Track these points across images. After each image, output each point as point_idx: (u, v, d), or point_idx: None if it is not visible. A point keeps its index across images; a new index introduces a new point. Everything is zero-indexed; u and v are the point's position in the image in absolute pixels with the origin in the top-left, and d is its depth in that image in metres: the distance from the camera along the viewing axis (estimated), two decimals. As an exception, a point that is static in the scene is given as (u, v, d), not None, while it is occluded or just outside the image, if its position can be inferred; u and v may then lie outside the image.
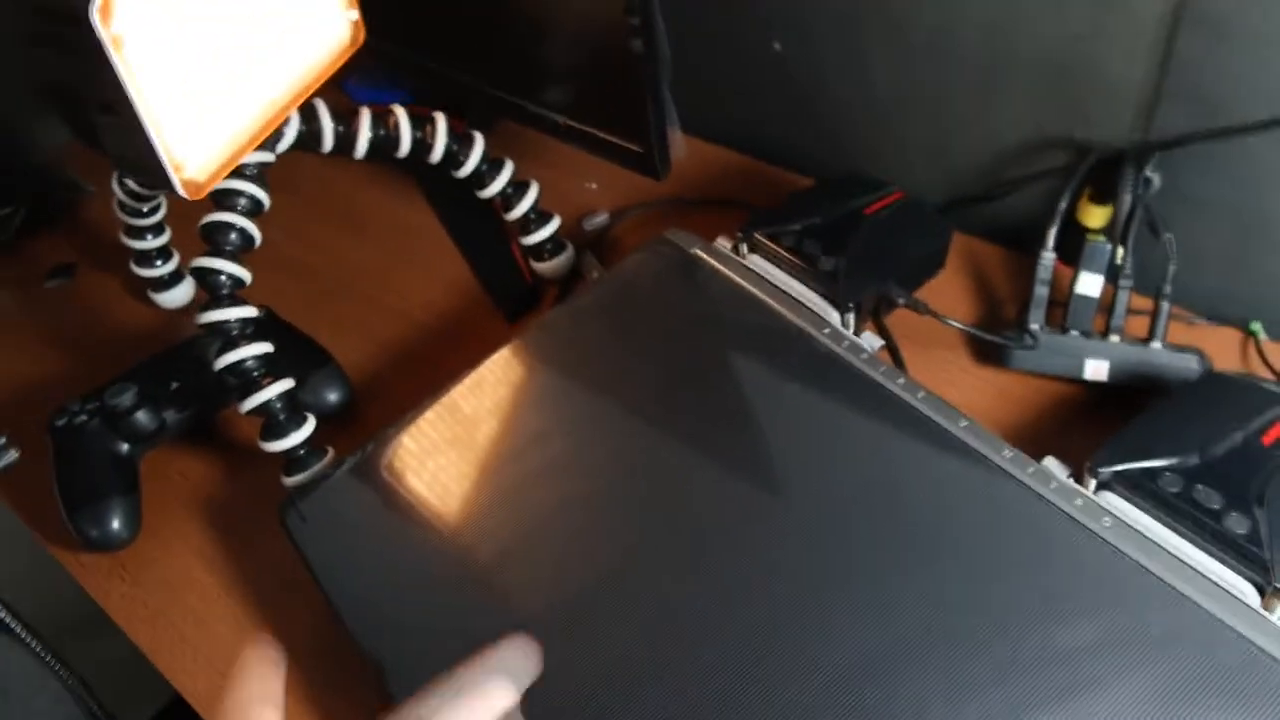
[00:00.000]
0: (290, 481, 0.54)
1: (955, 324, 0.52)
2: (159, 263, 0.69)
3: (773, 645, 0.40)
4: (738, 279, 0.54)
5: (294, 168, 0.61)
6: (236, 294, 0.53)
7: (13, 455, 0.49)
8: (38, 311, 0.76)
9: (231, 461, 0.61)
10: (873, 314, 0.57)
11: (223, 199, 0.52)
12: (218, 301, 0.52)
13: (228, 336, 0.52)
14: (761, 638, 0.41)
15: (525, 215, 0.65)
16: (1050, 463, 0.43)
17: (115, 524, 0.55)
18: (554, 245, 0.67)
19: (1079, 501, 0.41)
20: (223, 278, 0.52)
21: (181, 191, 0.48)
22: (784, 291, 0.53)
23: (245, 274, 0.53)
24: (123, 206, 0.65)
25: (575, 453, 0.50)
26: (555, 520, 0.48)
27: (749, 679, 0.40)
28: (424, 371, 0.64)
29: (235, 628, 0.52)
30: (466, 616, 0.45)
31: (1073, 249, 0.55)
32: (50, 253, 0.81)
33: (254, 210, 0.53)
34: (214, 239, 0.52)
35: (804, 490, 0.45)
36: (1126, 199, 0.52)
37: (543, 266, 0.67)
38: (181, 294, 0.71)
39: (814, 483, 0.45)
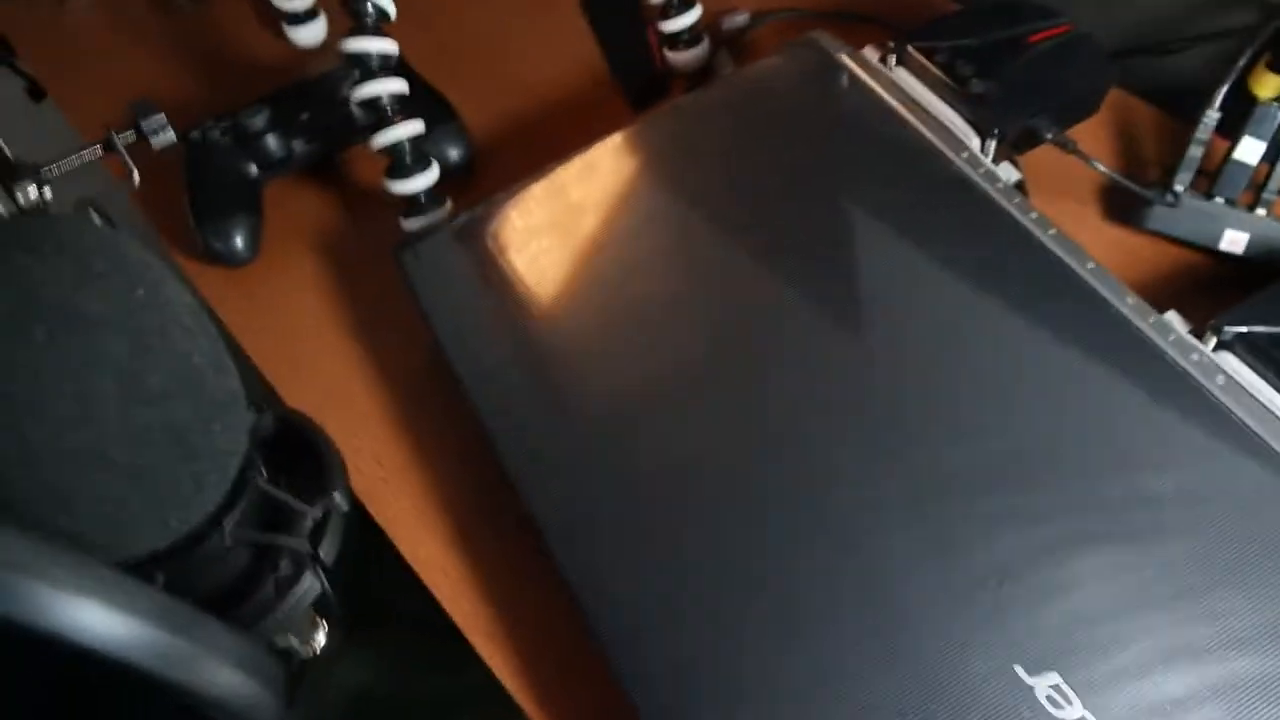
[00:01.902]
0: (409, 225, 0.55)
1: (1101, 167, 0.50)
2: (296, -5, 0.69)
3: (853, 448, 0.42)
4: (879, 90, 0.53)
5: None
6: (381, 26, 0.53)
7: (170, 136, 0.50)
8: (172, 30, 0.77)
9: (350, 201, 0.63)
10: (1013, 148, 0.55)
11: (376, -74, 0.52)
12: (362, 31, 0.52)
13: (367, 69, 0.53)
14: (846, 441, 0.42)
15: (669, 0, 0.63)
16: (1172, 316, 0.43)
17: (239, 240, 0.58)
18: (691, 36, 0.65)
19: (1195, 357, 0.41)
20: (370, 6, 0.52)
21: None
22: (926, 110, 0.52)
23: (391, 7, 0.52)
24: (267, -70, 0.65)
25: (676, 249, 0.51)
26: (643, 312, 0.48)
27: (823, 475, 0.41)
28: (542, 145, 0.64)
29: (340, 353, 0.55)
30: (555, 374, 0.47)
31: (1231, 121, 0.52)
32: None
33: (405, -57, 0.52)
34: (364, -33, 0.52)
35: (916, 311, 0.45)
36: (1313, 66, 0.49)
37: (676, 56, 0.66)
38: (314, 32, 0.71)
39: (927, 305, 0.45)
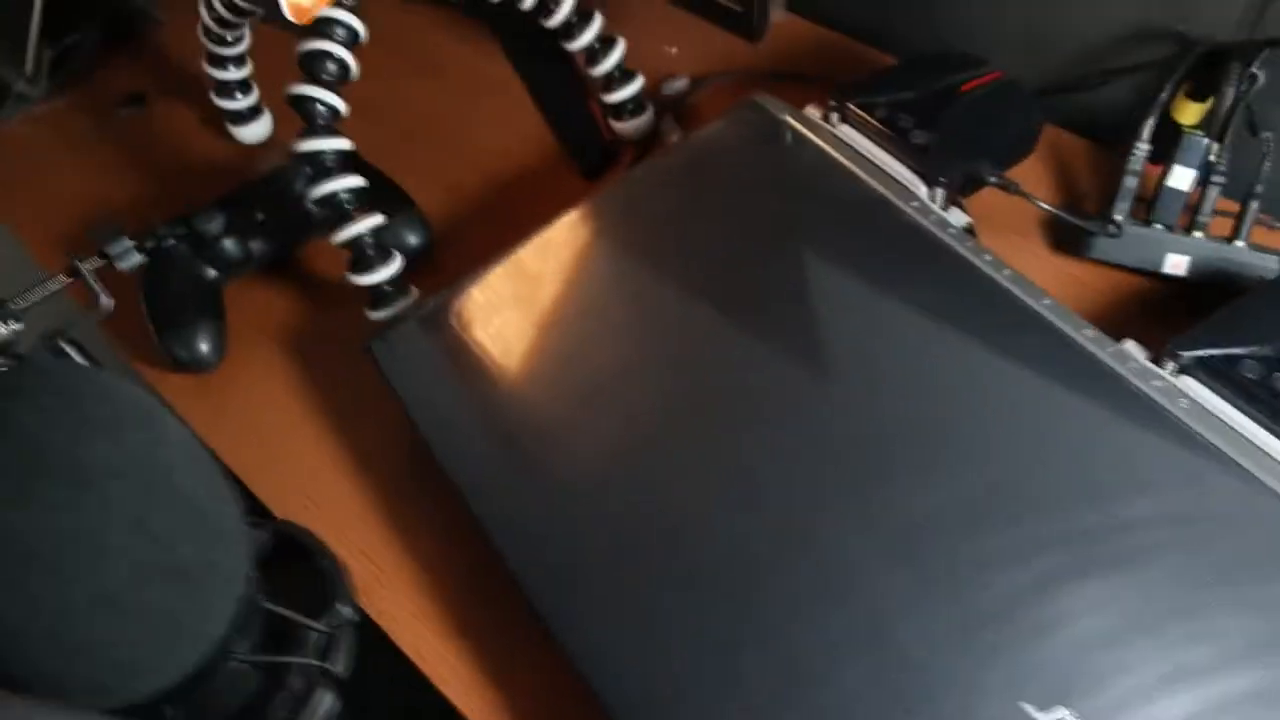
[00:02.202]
0: (376, 315, 0.56)
1: (1045, 205, 0.52)
2: (239, 95, 0.69)
3: (831, 499, 0.42)
4: (826, 147, 0.54)
5: (368, 11, 0.61)
6: (333, 125, 0.53)
7: (136, 258, 0.50)
8: (113, 139, 0.77)
9: (310, 295, 0.63)
10: (958, 192, 0.57)
11: (322, 27, 0.52)
12: (315, 131, 0.53)
13: (322, 167, 0.53)
14: (823, 493, 0.43)
15: (609, 72, 0.64)
16: (1130, 345, 0.44)
17: (203, 346, 0.57)
18: (635, 105, 0.66)
19: (1157, 383, 0.43)
20: (320, 107, 0.52)
21: (288, 14, 0.48)
22: (872, 163, 0.53)
23: (342, 105, 0.53)
24: (208, 33, 0.65)
25: (641, 316, 0.51)
26: (616, 379, 0.49)
27: (805, 529, 0.42)
28: (500, 222, 0.65)
29: (319, 449, 0.55)
30: (536, 447, 0.48)
31: (1161, 150, 0.55)
32: (121, 81, 0.81)
33: (351, 41, 0.53)
34: (312, 67, 0.52)
35: (881, 358, 0.47)
36: (1229, 94, 0.52)
37: (622, 126, 0.67)
38: (260, 129, 0.72)
39: (891, 352, 0.47)
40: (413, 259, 0.61)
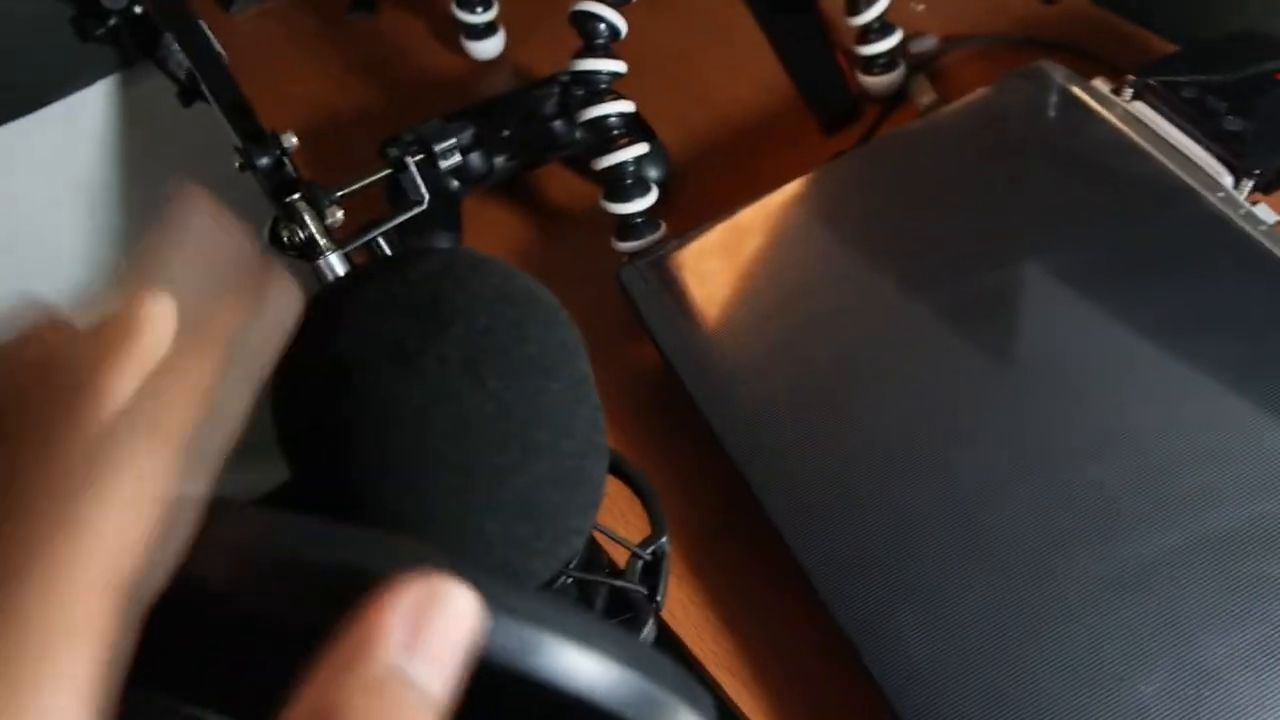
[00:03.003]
0: (624, 246, 0.55)
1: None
2: (481, 9, 0.69)
3: (1137, 505, 0.40)
4: (1118, 125, 0.51)
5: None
6: (610, 46, 0.52)
7: (457, 160, 0.49)
8: (339, 41, 0.77)
9: (541, 218, 0.62)
10: (1263, 189, 0.53)
11: (610, -55, 0.51)
12: (593, 51, 0.51)
13: (595, 89, 0.52)
14: (1128, 497, 0.40)
15: (870, 23, 0.62)
16: None
17: (443, 255, 0.57)
18: (888, 61, 0.64)
19: None
20: (602, 25, 0.51)
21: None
22: (1171, 145, 0.50)
23: (623, 24, 0.52)
24: (462, -57, 0.64)
25: (898, 277, 0.49)
26: (871, 344, 0.48)
27: (1107, 532, 0.40)
28: (733, 165, 0.63)
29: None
30: (784, 393, 0.47)
31: None
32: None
33: (638, -38, 0.52)
34: (599, -15, 0.51)
35: (1177, 364, 0.44)
36: None
37: (871, 81, 0.64)
38: (493, 45, 0.71)
39: (1196, 356, 0.44)
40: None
